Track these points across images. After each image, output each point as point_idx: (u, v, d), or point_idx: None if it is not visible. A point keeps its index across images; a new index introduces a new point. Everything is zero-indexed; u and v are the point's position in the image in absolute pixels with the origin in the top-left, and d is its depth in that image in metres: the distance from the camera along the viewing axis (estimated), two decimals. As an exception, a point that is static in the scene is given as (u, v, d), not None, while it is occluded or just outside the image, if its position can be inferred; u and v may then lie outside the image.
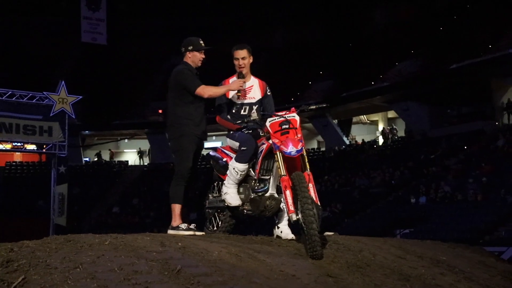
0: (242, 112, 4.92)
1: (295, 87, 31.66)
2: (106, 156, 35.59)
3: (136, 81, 35.02)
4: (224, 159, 4.89)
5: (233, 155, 4.79)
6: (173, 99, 4.63)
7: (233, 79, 4.93)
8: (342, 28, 33.25)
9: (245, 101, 4.92)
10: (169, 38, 32.04)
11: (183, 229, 4.51)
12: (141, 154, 35.63)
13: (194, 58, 4.72)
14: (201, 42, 4.76)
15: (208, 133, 4.92)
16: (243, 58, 4.85)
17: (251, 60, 4.95)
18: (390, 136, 29.02)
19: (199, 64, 4.77)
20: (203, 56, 4.77)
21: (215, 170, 4.97)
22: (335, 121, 31.48)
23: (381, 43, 30.32)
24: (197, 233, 4.55)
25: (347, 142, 30.67)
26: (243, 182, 4.72)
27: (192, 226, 4.65)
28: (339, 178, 24.65)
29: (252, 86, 4.97)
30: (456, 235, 14.66)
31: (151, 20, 36.46)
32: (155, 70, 34.25)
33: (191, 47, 4.70)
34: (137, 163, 35.55)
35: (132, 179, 32.02)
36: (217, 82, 4.90)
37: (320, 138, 33.19)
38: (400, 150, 26.20)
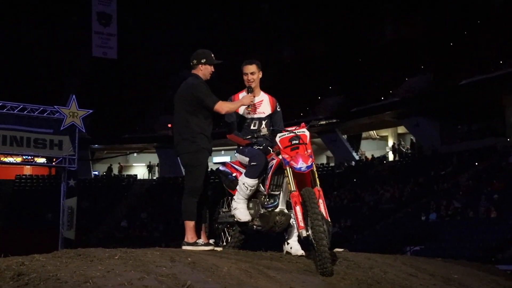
0: (251, 127, 4.93)
1: (305, 102, 31.71)
2: (115, 170, 35.77)
3: (145, 95, 35.28)
4: (234, 174, 4.89)
5: (243, 170, 4.79)
6: (187, 113, 4.60)
7: (242, 94, 4.96)
8: (352, 43, 33.38)
9: (255, 116, 4.94)
10: (178, 52, 32.41)
11: (201, 245, 4.48)
12: (150, 168, 35.74)
13: (206, 71, 4.72)
14: (213, 55, 4.80)
15: (217, 148, 4.96)
16: (252, 73, 4.88)
17: (260, 75, 4.98)
18: (405, 149, 28.88)
19: (209, 78, 4.78)
20: (213, 70, 4.80)
21: (224, 185, 4.97)
22: (345, 137, 31.42)
23: (390, 58, 30.34)
24: (217, 248, 4.53)
25: (357, 157, 30.57)
26: (253, 197, 4.72)
27: (211, 241, 4.64)
28: (348, 194, 24.54)
29: (262, 101, 4.99)
30: (467, 253, 14.47)
31: (160, 35, 36.88)
32: (164, 84, 34.53)
33: (204, 60, 4.70)
34: (146, 177, 35.66)
35: (140, 193, 32.10)
36: (225, 97, 4.93)
37: (329, 153, 33.12)
38: (410, 166, 26.05)
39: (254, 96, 4.82)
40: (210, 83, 4.77)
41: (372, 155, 29.81)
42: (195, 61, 4.74)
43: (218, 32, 35.60)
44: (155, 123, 34.90)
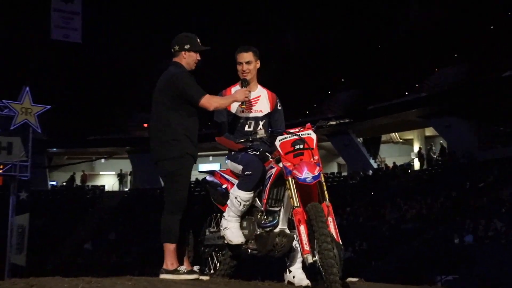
0: (246, 129, 4.96)
1: (311, 98, 31.84)
2: (78, 180, 35.71)
3: (117, 89, 35.33)
4: (224, 186, 4.90)
5: (235, 181, 4.81)
6: (167, 110, 4.62)
7: (235, 88, 4.99)
8: (368, 28, 33.51)
9: (250, 115, 4.97)
10: (158, 36, 32.39)
11: (183, 273, 4.48)
12: (121, 177, 35.73)
13: (190, 59, 4.75)
14: (198, 40, 4.81)
15: (203, 153, 4.99)
16: (247, 63, 4.91)
17: (258, 65, 5.00)
18: (435, 156, 28.97)
19: (193, 68, 4.80)
20: (199, 58, 4.82)
21: (212, 199, 4.98)
22: (360, 140, 31.50)
23: (416, 45, 30.50)
24: (202, 277, 4.54)
25: (375, 165, 30.65)
26: (247, 214, 4.73)
27: (195, 268, 4.64)
28: (364, 210, 24.58)
29: (259, 97, 5.02)
30: (510, 283, 14.51)
31: (138, 15, 36.89)
32: (141, 75, 34.54)
33: (189, 46, 4.73)
34: (116, 188, 35.60)
35: (109, 208, 32.06)
36: (215, 92, 4.95)
37: (341, 160, 33.19)
38: (440, 176, 26.12)
39: (249, 91, 4.85)
40: (196, 75, 4.78)
41: (394, 163, 29.91)
42: (177, 47, 4.76)
43: (210, 14, 35.69)
44: (128, 122, 34.91)
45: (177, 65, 4.75)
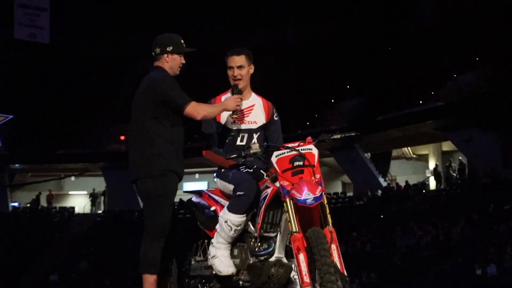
0: (238, 142, 5.00)
1: (312, 107, 31.88)
2: (43, 200, 35.55)
3: (90, 96, 35.30)
4: (212, 208, 4.92)
5: (225, 203, 4.83)
6: (148, 120, 4.65)
7: (226, 96, 5.02)
8: (378, 26, 33.64)
9: (243, 127, 5.00)
10: (139, 38, 32.41)
11: None
12: (93, 197, 35.60)
13: (173, 63, 4.79)
14: (182, 41, 4.85)
15: (190, 170, 5.01)
16: (239, 67, 4.95)
17: (251, 71, 5.05)
18: (454, 174, 28.97)
19: (177, 72, 4.84)
20: (184, 62, 4.86)
21: (199, 223, 4.99)
22: (367, 155, 31.54)
23: (432, 47, 30.63)
24: None
25: (384, 184, 30.66)
26: (239, 241, 4.75)
27: None
28: (372, 236, 24.55)
29: (252, 106, 5.06)
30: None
31: (115, 12, 36.90)
32: (117, 81, 34.57)
33: (171, 48, 4.77)
34: (87, 210, 35.44)
35: (79, 233, 31.88)
36: (204, 101, 4.97)
37: (346, 178, 33.20)
38: (459, 197, 26.14)
39: (241, 99, 4.87)
40: (181, 81, 4.81)
41: (406, 182, 29.93)
42: (158, 50, 4.80)
43: (197, 7, 35.72)
44: (102, 134, 34.83)
45: (159, 69, 4.78)
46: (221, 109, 4.78)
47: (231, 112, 4.88)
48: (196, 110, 4.61)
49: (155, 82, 4.66)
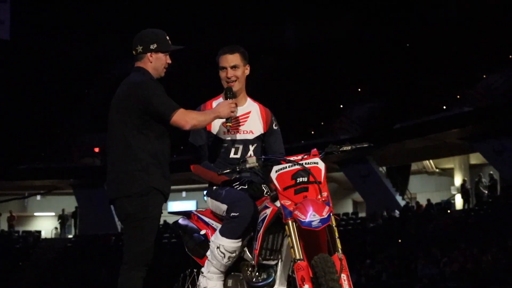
0: (232, 155, 5.00)
1: (317, 114, 31.86)
2: (3, 223, 35.42)
3: (57, 102, 35.25)
4: (203, 232, 4.93)
5: (217, 225, 4.83)
6: (128, 130, 4.65)
7: (218, 101, 5.03)
8: (394, 20, 33.70)
9: (238, 138, 5.02)
10: (115, 33, 32.51)
11: None
12: (63, 219, 35.49)
13: (158, 63, 4.80)
14: (168, 38, 4.86)
15: (176, 187, 5.02)
16: (233, 67, 4.97)
17: (247, 71, 5.06)
18: (485, 192, 28.88)
19: (162, 74, 4.85)
20: (170, 62, 4.87)
21: (187, 249, 4.99)
22: (383, 169, 31.54)
23: (458, 43, 30.68)
24: None
25: (402, 203, 30.63)
26: (234, 270, 4.75)
27: None
28: (389, 264, 24.50)
29: (248, 113, 5.07)
30: None
31: (88, 5, 36.93)
32: (90, 85, 34.59)
33: (155, 46, 4.78)
34: (56, 235, 35.30)
35: (47, 260, 31.76)
36: (193, 107, 4.97)
37: (357, 196, 33.17)
38: (491, 218, 26.10)
39: (236, 104, 4.88)
40: (167, 84, 4.81)
41: (428, 200, 29.92)
42: (140, 48, 4.81)
43: (184, 3, 35.71)
44: (73, 146, 34.77)
45: (140, 71, 4.78)
46: (213, 116, 4.77)
47: (224, 120, 4.87)
48: (184, 118, 4.61)
49: (136, 87, 4.65)
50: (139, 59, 4.82)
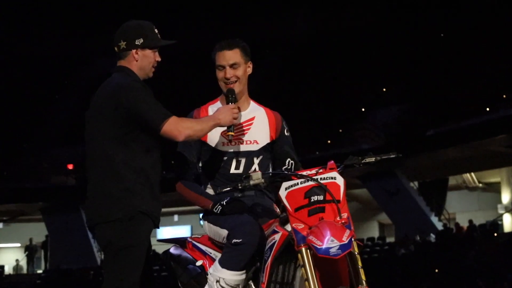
0: (232, 170, 5.04)
1: (335, 119, 31.89)
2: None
3: (20, 109, 35.31)
4: (199, 263, 4.95)
5: (217, 255, 4.86)
6: (109, 142, 4.65)
7: (214, 106, 5.07)
8: (425, 5, 33.69)
9: (240, 149, 5.04)
10: (91, 28, 32.61)
11: None
12: (30, 251, 35.50)
13: (145, 61, 4.81)
14: (156, 31, 4.88)
15: (167, 209, 5.01)
16: (233, 66, 5.00)
17: (249, 70, 5.11)
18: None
19: (151, 74, 4.86)
20: (159, 59, 4.88)
21: (180, 284, 5.01)
22: (414, 185, 31.52)
23: (503, 33, 30.69)
24: None
25: (439, 225, 30.61)
26: (237, 307, 4.76)
27: None
28: (424, 299, 24.48)
29: (252, 119, 5.11)
30: None
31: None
32: (62, 88, 34.64)
33: (142, 41, 4.79)
34: (23, 270, 35.31)
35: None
36: (186, 113, 4.99)
37: (384, 217, 33.16)
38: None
39: (239, 110, 4.91)
40: (155, 87, 4.83)
41: (471, 222, 29.91)
42: (123, 44, 4.82)
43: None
44: (41, 162, 34.80)
45: (124, 71, 4.80)
46: (212, 124, 4.76)
47: (225, 129, 4.89)
48: (177, 128, 4.58)
49: (119, 90, 4.64)
50: (123, 57, 4.83)
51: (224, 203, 4.80)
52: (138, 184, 4.62)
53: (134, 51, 4.79)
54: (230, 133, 4.87)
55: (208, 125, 4.73)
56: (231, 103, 4.89)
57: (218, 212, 4.80)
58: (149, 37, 4.82)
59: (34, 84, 35.59)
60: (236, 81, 4.99)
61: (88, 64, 32.90)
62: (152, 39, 4.82)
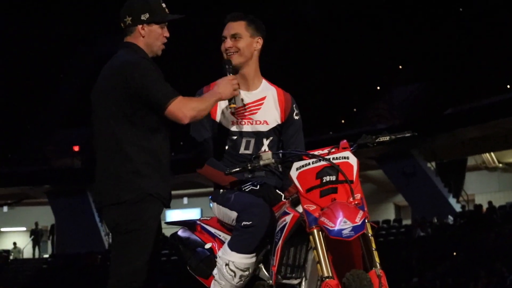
0: (242, 151, 5.04)
1: (349, 99, 31.81)
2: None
3: (25, 91, 35.31)
4: (208, 246, 4.96)
5: (226, 237, 4.87)
6: (118, 122, 4.63)
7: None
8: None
9: (249, 129, 5.05)
10: (95, 5, 32.55)
11: None
12: (36, 235, 35.60)
13: (152, 37, 4.78)
14: (164, 5, 4.85)
15: (175, 192, 4.98)
16: (234, 37, 5.00)
17: (257, 46, 5.08)
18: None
19: (159, 52, 4.83)
20: (167, 35, 4.84)
21: (189, 267, 5.01)
22: (431, 166, 31.46)
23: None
24: None
25: (457, 207, 30.57)
26: (247, 291, 4.76)
27: None
28: (441, 283, 24.47)
29: (263, 99, 5.11)
30: None
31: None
32: (64, 68, 34.60)
33: (148, 15, 4.76)
34: (28, 254, 35.43)
35: (18, 285, 31.88)
36: (194, 90, 4.99)
37: (401, 199, 33.15)
38: None
39: (238, 84, 4.84)
40: (161, 64, 4.82)
41: (490, 203, 29.87)
42: (129, 19, 4.79)
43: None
44: (46, 145, 34.85)
45: (131, 48, 4.77)
46: (213, 100, 4.74)
47: (227, 102, 4.87)
48: (182, 110, 4.54)
49: (126, 67, 4.62)
50: (129, 33, 4.81)
51: (258, 186, 4.82)
52: (146, 165, 4.61)
53: (140, 26, 4.77)
54: (233, 105, 4.87)
55: (210, 102, 4.71)
56: (229, 74, 4.86)
57: (248, 190, 4.79)
58: (156, 11, 4.78)
59: (37, 64, 35.56)
60: (236, 52, 4.98)
61: (92, 44, 32.89)
62: (158, 14, 4.79)
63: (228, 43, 4.97)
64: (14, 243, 35.95)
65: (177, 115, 4.56)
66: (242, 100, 4.96)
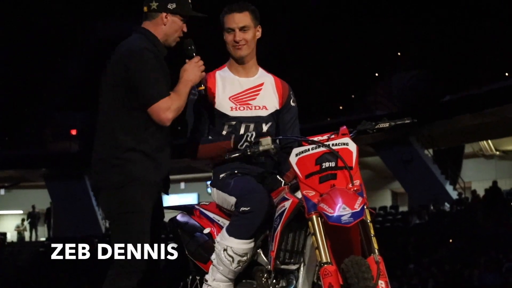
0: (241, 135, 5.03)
1: (347, 85, 31.79)
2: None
3: (22, 73, 35.24)
4: (206, 231, 4.97)
5: (225, 222, 4.87)
6: (115, 108, 4.65)
7: (221, 72, 5.08)
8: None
9: (247, 114, 5.05)
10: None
11: None
12: (33, 219, 35.63)
13: (172, 28, 4.78)
14: (190, 0, 4.84)
15: (174, 177, 4.98)
16: (243, 29, 4.99)
17: (258, 34, 5.09)
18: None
19: (172, 44, 4.82)
20: (185, 30, 4.84)
21: (187, 252, 5.03)
22: (429, 153, 31.48)
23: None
24: None
25: (454, 194, 30.61)
26: (246, 277, 4.79)
27: None
28: (438, 270, 24.51)
29: (261, 85, 5.11)
30: None
31: None
32: (63, 50, 34.52)
33: (174, 6, 4.75)
34: (25, 238, 35.42)
35: (13, 269, 31.89)
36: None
37: (398, 186, 33.18)
38: None
39: (202, 63, 4.77)
40: (171, 60, 4.81)
41: (487, 191, 29.89)
42: (155, 4, 4.76)
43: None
44: (44, 128, 34.82)
45: (145, 34, 4.76)
46: (186, 91, 4.70)
47: (197, 86, 4.80)
48: (164, 111, 4.55)
49: (127, 56, 4.62)
50: (150, 18, 4.79)
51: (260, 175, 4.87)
52: (139, 153, 4.62)
53: (164, 14, 4.75)
54: (201, 87, 4.83)
55: (184, 94, 4.67)
56: (194, 56, 4.78)
57: (249, 153, 4.72)
58: (182, 3, 4.79)
59: (36, 47, 35.50)
60: (245, 44, 4.98)
61: (93, 27, 32.82)
62: (185, 7, 4.79)
63: (239, 35, 4.95)
64: (23, 219, 36.03)
65: (158, 116, 4.58)
66: (206, 80, 4.92)
